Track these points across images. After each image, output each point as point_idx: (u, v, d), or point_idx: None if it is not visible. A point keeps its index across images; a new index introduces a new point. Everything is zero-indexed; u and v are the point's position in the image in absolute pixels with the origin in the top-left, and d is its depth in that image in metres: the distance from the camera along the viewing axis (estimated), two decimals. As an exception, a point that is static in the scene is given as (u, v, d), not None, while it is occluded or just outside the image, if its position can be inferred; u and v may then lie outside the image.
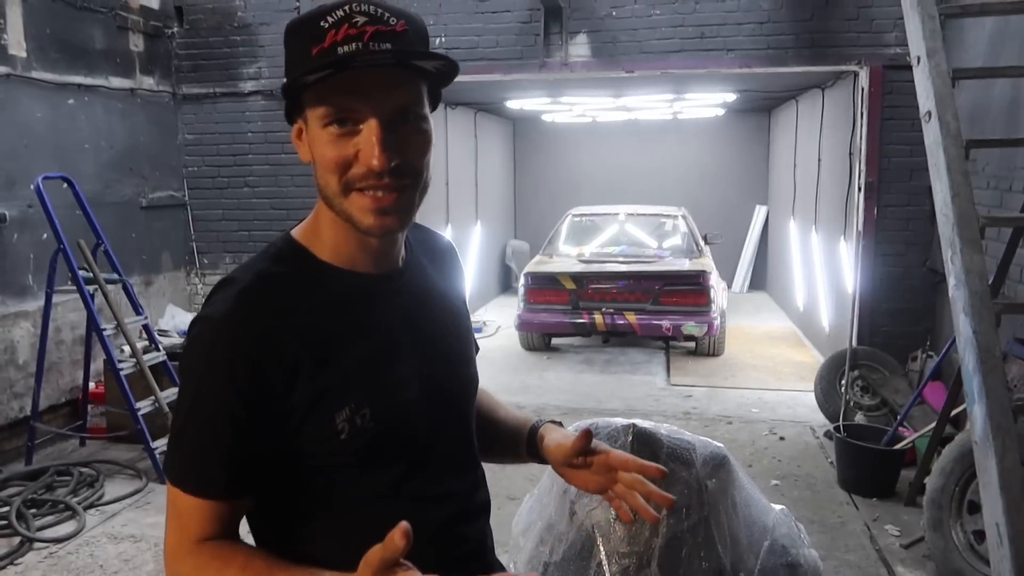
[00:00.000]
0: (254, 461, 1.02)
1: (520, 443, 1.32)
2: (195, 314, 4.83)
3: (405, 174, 1.00)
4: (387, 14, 0.97)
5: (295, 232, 1.11)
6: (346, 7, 0.96)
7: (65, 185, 4.66)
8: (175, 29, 6.29)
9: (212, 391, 0.99)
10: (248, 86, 6.25)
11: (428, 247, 1.25)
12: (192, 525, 1.04)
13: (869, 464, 4.26)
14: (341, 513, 1.07)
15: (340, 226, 1.05)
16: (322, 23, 0.95)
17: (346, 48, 0.94)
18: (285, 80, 1.00)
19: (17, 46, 4.82)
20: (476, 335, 1.31)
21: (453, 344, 1.20)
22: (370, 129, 0.97)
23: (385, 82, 0.97)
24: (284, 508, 1.08)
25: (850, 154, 5.86)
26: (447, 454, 1.15)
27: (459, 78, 1.07)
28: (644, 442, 2.18)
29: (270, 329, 1.00)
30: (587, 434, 1.19)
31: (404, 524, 0.82)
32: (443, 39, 5.84)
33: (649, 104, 9.33)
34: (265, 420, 1.00)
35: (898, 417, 4.42)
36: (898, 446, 4.24)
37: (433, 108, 1.07)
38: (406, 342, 1.11)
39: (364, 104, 0.97)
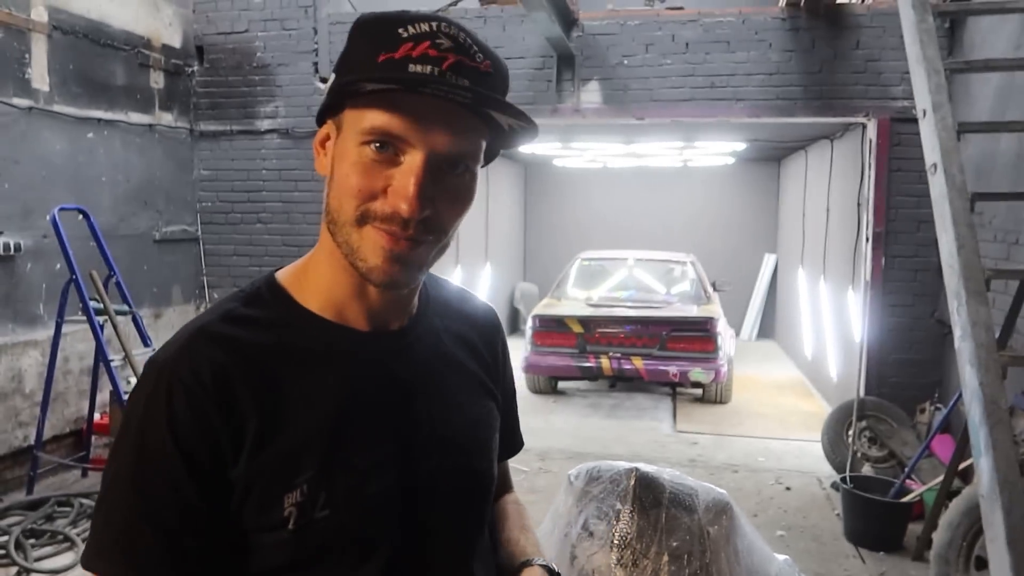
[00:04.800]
0: (198, 538, 0.83)
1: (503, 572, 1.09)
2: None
3: (431, 229, 0.85)
4: (475, 48, 0.84)
5: (280, 272, 0.95)
6: (433, 24, 0.83)
7: (80, 217, 4.73)
8: (195, 67, 6.43)
9: (150, 446, 0.82)
10: (264, 124, 6.36)
11: (457, 313, 1.06)
12: None
13: (876, 517, 4.20)
14: None
15: (336, 265, 0.89)
16: (400, 31, 0.82)
17: (419, 68, 0.81)
18: (334, 76, 0.87)
19: (40, 80, 4.94)
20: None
21: (461, 430, 0.98)
22: (412, 167, 0.82)
23: (449, 119, 0.82)
24: None
25: (858, 204, 5.90)
26: (431, 568, 0.94)
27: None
28: (647, 486, 2.17)
29: (222, 378, 0.84)
30: None
31: None
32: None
33: (659, 151, 9.43)
34: (209, 490, 0.83)
35: (906, 469, 4.37)
36: (906, 499, 4.18)
37: (484, 165, 0.92)
38: (389, 419, 0.91)
39: (416, 135, 0.82)
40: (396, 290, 0.90)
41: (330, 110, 0.88)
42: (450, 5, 5.55)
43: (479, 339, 1.07)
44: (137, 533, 0.81)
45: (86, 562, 0.83)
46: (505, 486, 1.21)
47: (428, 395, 0.96)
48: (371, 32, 0.85)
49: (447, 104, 0.81)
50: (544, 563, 1.04)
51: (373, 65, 0.82)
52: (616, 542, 2.09)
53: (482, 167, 0.91)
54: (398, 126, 0.82)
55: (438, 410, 0.96)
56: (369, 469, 0.88)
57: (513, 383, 1.17)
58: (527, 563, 1.04)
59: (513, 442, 1.18)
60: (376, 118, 0.82)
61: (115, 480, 0.84)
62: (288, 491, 0.84)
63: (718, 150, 9.34)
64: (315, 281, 0.92)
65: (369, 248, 0.84)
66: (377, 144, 0.83)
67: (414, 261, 0.86)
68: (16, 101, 4.75)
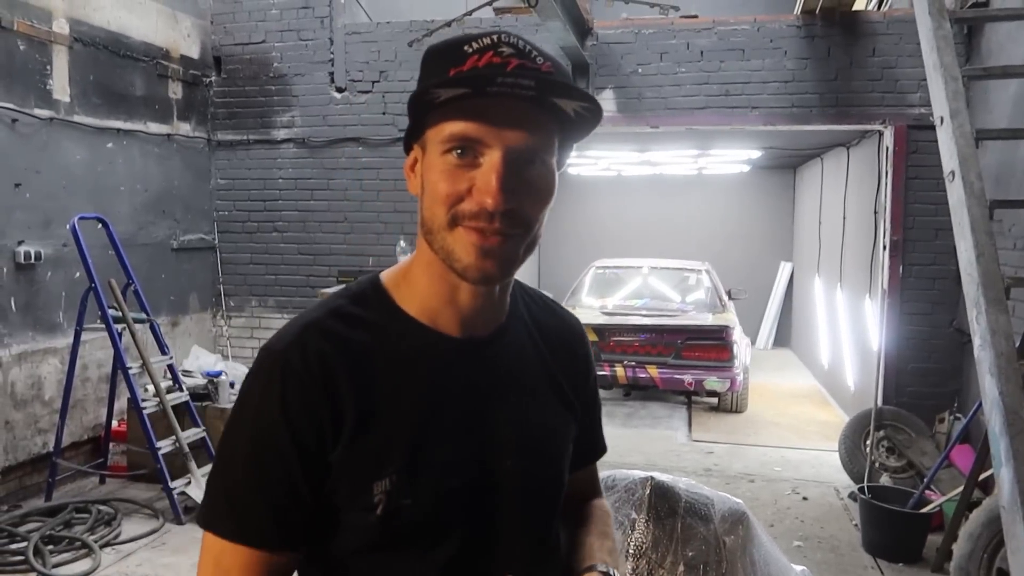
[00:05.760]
0: (303, 511, 0.93)
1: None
2: (219, 356, 4.81)
3: (517, 222, 0.91)
4: (534, 52, 0.91)
5: (384, 275, 1.04)
6: (494, 36, 0.91)
7: (100, 225, 4.78)
8: (213, 78, 6.49)
9: (265, 422, 0.92)
10: (281, 134, 6.40)
11: (545, 323, 1.12)
12: None
13: (895, 527, 4.16)
14: None
15: (433, 272, 0.96)
16: (466, 47, 0.90)
17: (488, 73, 0.88)
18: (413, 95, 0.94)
19: (61, 91, 5.01)
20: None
21: (536, 436, 1.05)
22: (491, 164, 0.89)
23: (519, 117, 0.89)
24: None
25: (875, 212, 5.86)
26: (495, 562, 1.00)
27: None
28: (662, 495, 2.16)
29: (329, 370, 0.92)
30: None
31: None
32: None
33: (674, 159, 9.41)
34: (312, 470, 0.92)
35: (925, 480, 4.32)
36: (925, 510, 4.13)
37: (562, 164, 0.98)
38: (470, 421, 0.99)
39: (492, 136, 0.89)
40: (490, 285, 0.96)
41: (413, 135, 0.96)
42: (465, 15, 5.58)
43: (563, 349, 1.13)
44: (251, 504, 0.92)
45: (203, 523, 0.94)
46: (593, 491, 1.28)
47: (509, 401, 1.02)
48: (440, 54, 0.93)
49: (516, 103, 0.88)
50: (605, 569, 1.08)
51: (445, 79, 0.89)
52: (631, 552, 2.08)
53: (562, 162, 0.98)
54: (474, 130, 0.89)
55: (516, 416, 1.02)
56: (449, 465, 0.96)
57: (596, 390, 1.23)
58: (589, 568, 1.09)
59: (596, 447, 1.26)
60: (454, 127, 0.89)
61: (233, 455, 0.94)
62: (377, 480, 0.92)
63: (733, 158, 9.31)
64: (413, 287, 1.00)
65: (461, 247, 0.91)
66: (458, 151, 0.90)
67: (505, 256, 0.92)
68: (38, 111, 4.81)
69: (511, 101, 0.88)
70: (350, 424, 0.92)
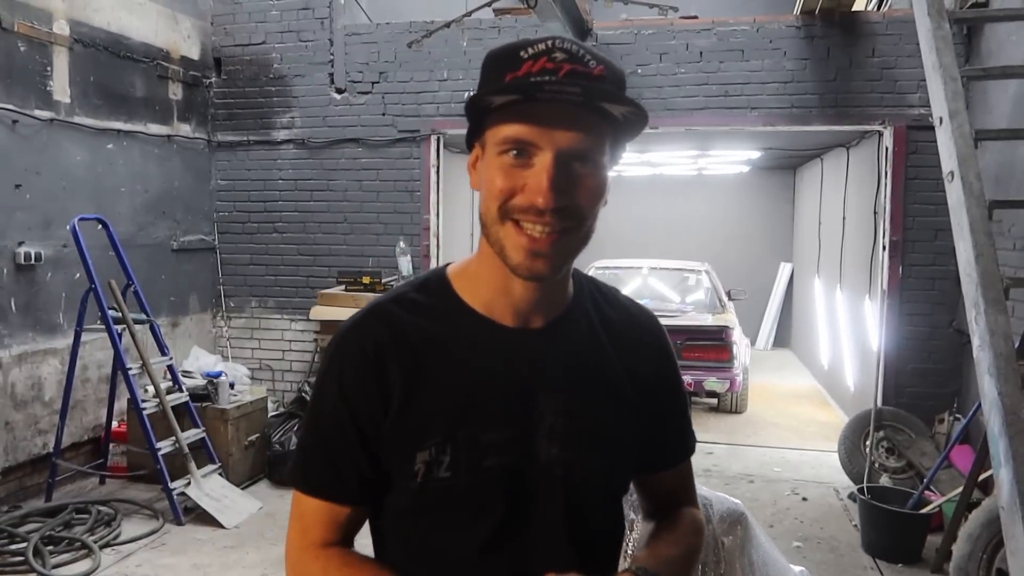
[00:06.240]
0: (358, 472, 1.05)
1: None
2: (219, 356, 4.87)
3: (569, 215, 0.97)
4: (588, 56, 0.96)
5: (451, 266, 1.12)
6: (549, 42, 0.96)
7: (100, 226, 4.78)
8: (213, 79, 6.49)
9: (327, 395, 1.06)
10: (281, 135, 6.41)
11: (613, 320, 1.14)
12: (314, 528, 1.08)
13: (895, 528, 4.16)
14: (414, 555, 1.08)
15: (491, 264, 1.03)
16: (522, 53, 0.96)
17: (537, 80, 0.94)
18: (469, 99, 0.99)
19: (61, 92, 5.01)
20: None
21: (586, 427, 1.07)
22: (543, 165, 0.95)
23: (569, 119, 0.94)
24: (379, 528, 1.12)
25: (875, 213, 5.86)
26: (538, 541, 1.05)
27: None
28: (661, 496, 2.16)
29: (381, 352, 1.03)
30: None
31: None
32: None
33: (674, 160, 9.41)
34: (365, 437, 1.03)
35: (924, 480, 4.33)
36: (924, 510, 4.14)
37: (615, 161, 1.04)
38: (515, 406, 1.04)
39: (543, 138, 0.95)
40: (541, 280, 1.01)
41: (474, 134, 1.03)
42: (465, 15, 5.58)
43: (632, 346, 1.14)
44: (312, 461, 1.08)
45: (286, 474, 1.14)
46: (684, 495, 1.25)
47: (558, 391, 1.06)
48: (498, 60, 0.99)
49: (565, 107, 0.93)
50: (644, 573, 1.05)
51: (501, 85, 0.96)
52: (629, 552, 2.08)
53: (615, 160, 1.04)
54: (527, 132, 0.95)
55: (566, 406, 1.06)
56: (489, 446, 1.02)
57: (676, 387, 1.21)
58: (626, 570, 1.06)
59: (678, 446, 1.23)
60: (508, 129, 0.96)
61: (307, 421, 1.10)
62: (420, 449, 1.01)
63: (733, 159, 9.32)
64: (473, 278, 1.08)
65: (511, 246, 0.98)
66: (514, 152, 0.96)
67: (555, 253, 0.98)
68: (38, 113, 4.81)
69: (561, 105, 0.93)
70: (397, 399, 1.02)
